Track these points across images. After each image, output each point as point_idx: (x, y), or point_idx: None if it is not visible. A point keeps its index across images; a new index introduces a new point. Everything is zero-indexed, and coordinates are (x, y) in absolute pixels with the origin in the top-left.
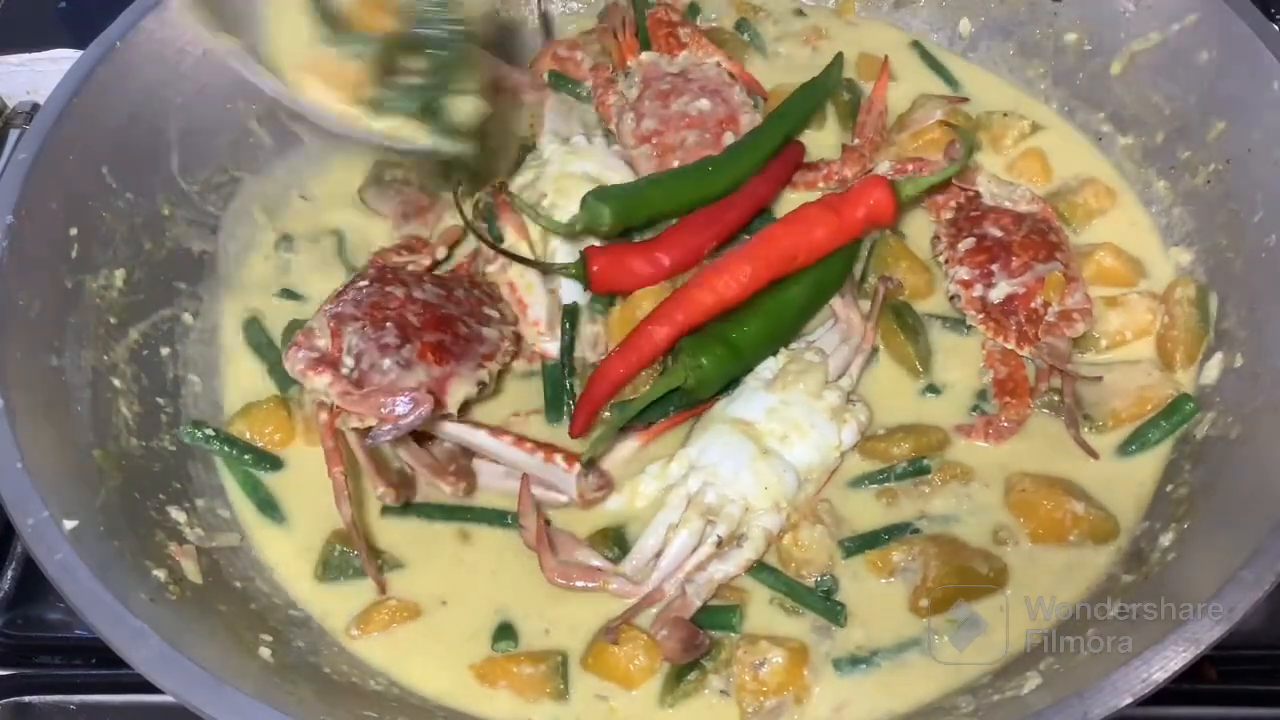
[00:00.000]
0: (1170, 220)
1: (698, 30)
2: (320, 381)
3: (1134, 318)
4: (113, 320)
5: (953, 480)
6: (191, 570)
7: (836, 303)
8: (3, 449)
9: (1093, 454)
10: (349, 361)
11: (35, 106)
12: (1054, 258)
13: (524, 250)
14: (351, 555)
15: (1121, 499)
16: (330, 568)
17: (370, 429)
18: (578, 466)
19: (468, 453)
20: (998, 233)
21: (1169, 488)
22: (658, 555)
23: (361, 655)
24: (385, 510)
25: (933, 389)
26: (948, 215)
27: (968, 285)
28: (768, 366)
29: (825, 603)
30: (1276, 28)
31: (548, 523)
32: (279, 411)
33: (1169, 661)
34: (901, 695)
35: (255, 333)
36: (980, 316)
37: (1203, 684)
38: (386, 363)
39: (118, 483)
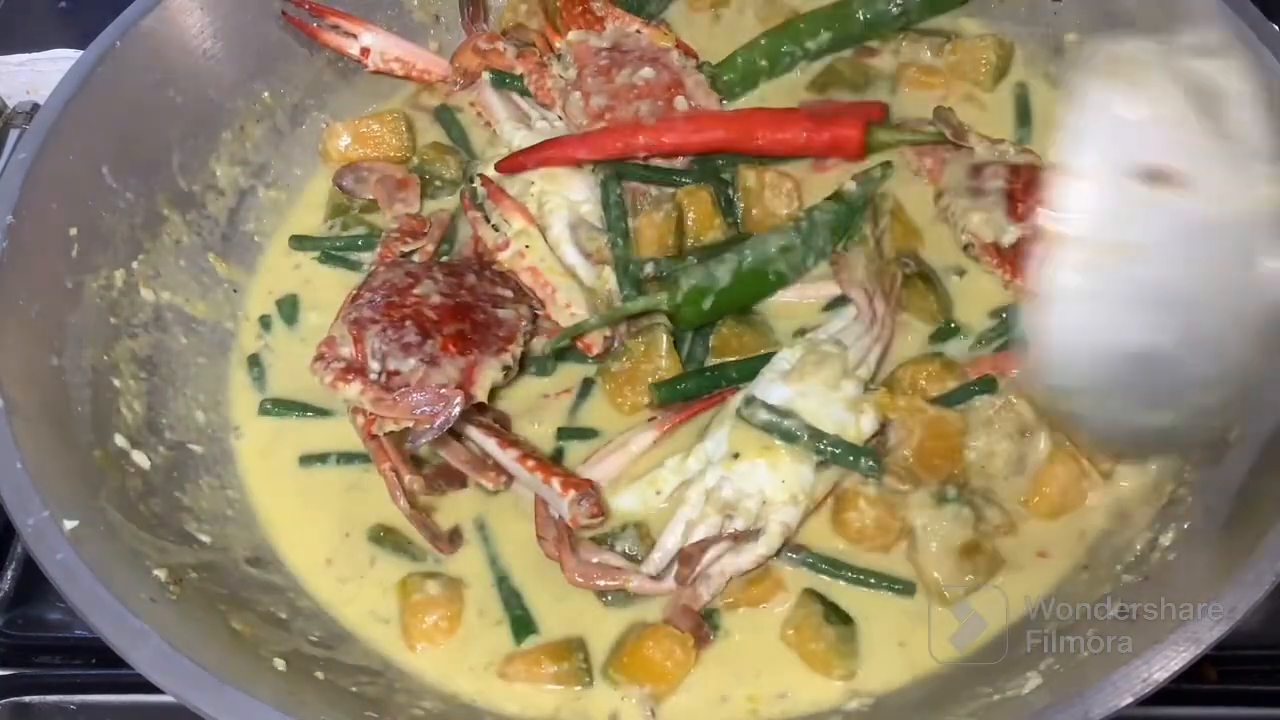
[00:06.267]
0: None
1: (610, 2)
2: (352, 390)
3: None
4: (113, 320)
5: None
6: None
7: (860, 296)
8: (3, 449)
9: None
10: (374, 365)
11: (35, 106)
12: None
13: (535, 234)
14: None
15: None
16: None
17: (406, 430)
18: (572, 493)
19: None
20: (999, 184)
21: (1169, 487)
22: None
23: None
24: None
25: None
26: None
27: (979, 234)
28: (784, 358)
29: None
30: (1276, 27)
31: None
32: None
33: (1169, 661)
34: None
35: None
36: (995, 261)
37: (1203, 684)
38: (412, 362)
39: (118, 483)
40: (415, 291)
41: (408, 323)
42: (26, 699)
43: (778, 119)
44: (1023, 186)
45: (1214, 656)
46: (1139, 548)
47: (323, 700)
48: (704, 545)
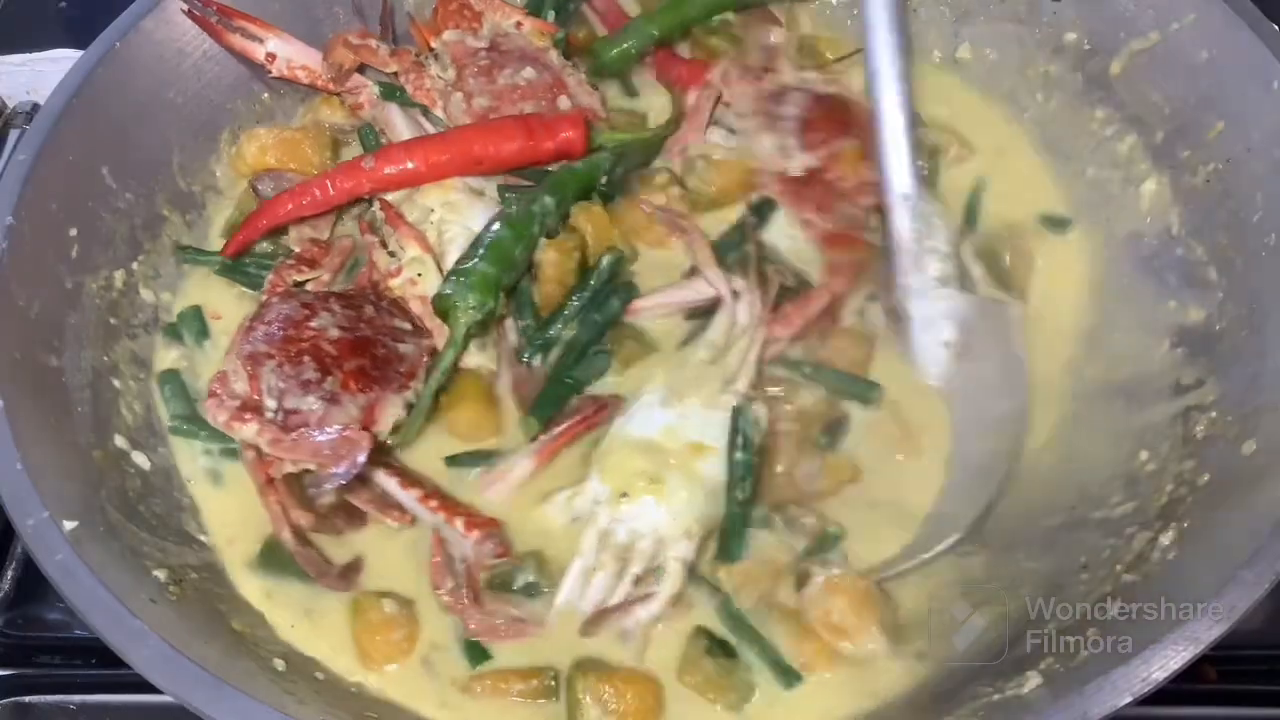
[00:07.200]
0: (1170, 220)
1: None
2: (249, 431)
3: None
4: (113, 320)
5: None
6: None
7: (739, 305)
8: (3, 449)
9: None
10: (271, 403)
11: (35, 106)
12: (849, 134)
13: (429, 262)
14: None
15: None
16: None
17: (306, 472)
18: (476, 533)
19: None
20: (795, 110)
21: (1169, 487)
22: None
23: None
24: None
25: None
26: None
27: (770, 159)
28: (657, 380)
29: None
30: (1277, 27)
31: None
32: None
33: (1169, 661)
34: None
35: None
36: (779, 189)
37: (1202, 684)
38: (311, 400)
39: (118, 483)
40: (312, 324)
41: (306, 358)
42: (26, 699)
43: (491, 133)
44: (823, 116)
45: (1214, 656)
46: (1139, 548)
47: (322, 700)
48: (607, 615)
